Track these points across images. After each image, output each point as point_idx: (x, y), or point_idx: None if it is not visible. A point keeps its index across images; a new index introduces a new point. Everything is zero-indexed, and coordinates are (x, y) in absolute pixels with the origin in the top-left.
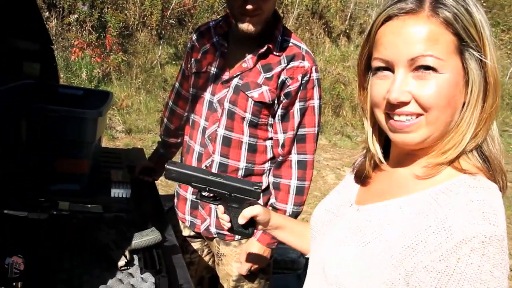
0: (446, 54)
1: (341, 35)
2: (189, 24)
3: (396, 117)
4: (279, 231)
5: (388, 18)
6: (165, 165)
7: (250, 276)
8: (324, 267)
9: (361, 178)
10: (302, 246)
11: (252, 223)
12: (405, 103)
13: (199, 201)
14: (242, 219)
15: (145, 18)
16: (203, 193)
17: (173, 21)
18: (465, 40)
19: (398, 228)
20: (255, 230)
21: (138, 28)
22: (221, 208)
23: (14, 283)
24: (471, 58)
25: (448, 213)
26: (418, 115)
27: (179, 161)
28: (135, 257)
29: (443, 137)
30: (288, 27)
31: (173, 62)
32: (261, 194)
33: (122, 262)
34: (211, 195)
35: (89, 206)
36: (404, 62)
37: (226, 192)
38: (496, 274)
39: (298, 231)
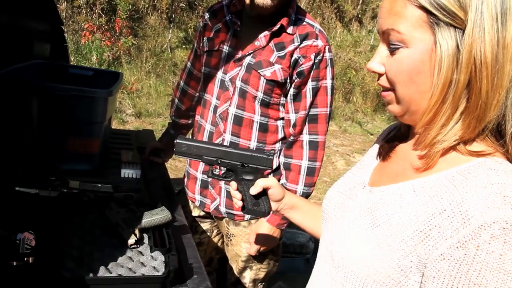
0: (410, 28)
1: (353, 20)
2: (200, 7)
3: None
4: (293, 211)
5: None
6: (175, 140)
7: (259, 257)
8: (332, 250)
9: (377, 157)
10: (315, 229)
11: (266, 199)
12: (380, 74)
13: (210, 179)
14: (254, 189)
15: (155, 1)
16: (214, 171)
17: (183, 5)
18: (433, 13)
19: (411, 211)
20: (270, 211)
21: (148, 12)
22: (233, 184)
23: (25, 258)
24: (443, 35)
25: (465, 196)
26: (389, 89)
27: None
28: (145, 235)
29: (432, 117)
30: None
31: (183, 46)
32: (272, 174)
33: (132, 240)
34: (223, 171)
35: (99, 185)
36: (381, 35)
37: (238, 163)
38: None
39: (312, 213)
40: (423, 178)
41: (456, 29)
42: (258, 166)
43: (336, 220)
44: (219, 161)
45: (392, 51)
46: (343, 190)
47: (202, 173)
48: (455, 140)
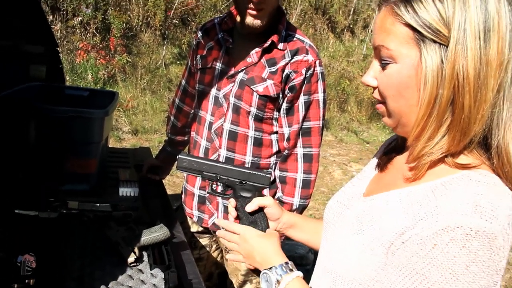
0: (398, 44)
1: (345, 30)
2: (193, 23)
3: None
4: (293, 230)
5: (378, 7)
6: (178, 156)
7: (258, 271)
8: (327, 257)
9: (376, 168)
10: (315, 243)
11: (263, 217)
12: (374, 88)
13: (207, 194)
14: (250, 206)
15: (149, 18)
16: (213, 187)
17: (176, 21)
18: (418, 30)
19: (392, 218)
20: (267, 229)
21: (142, 29)
22: (232, 201)
23: (26, 281)
24: (428, 51)
25: (440, 203)
26: (381, 102)
27: None
28: (145, 253)
29: (421, 131)
30: (292, 23)
31: (178, 62)
32: (267, 188)
33: (131, 258)
34: (221, 188)
35: (98, 205)
36: (374, 50)
37: (237, 180)
38: (473, 270)
39: (310, 228)
40: (411, 188)
41: (441, 46)
42: (256, 184)
43: (334, 229)
44: (218, 177)
45: (383, 66)
46: (342, 200)
47: (199, 189)
48: (442, 153)
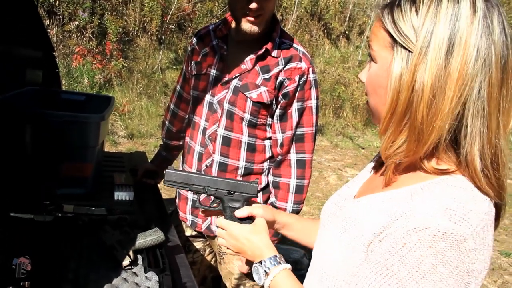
0: (379, 47)
1: (341, 36)
2: (189, 29)
3: None
4: (286, 230)
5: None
6: (165, 170)
7: (251, 275)
8: (316, 255)
9: (370, 171)
10: (309, 242)
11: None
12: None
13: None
14: (240, 212)
15: (145, 23)
16: (202, 199)
17: (172, 26)
18: (393, 36)
19: (373, 218)
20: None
21: (138, 34)
22: (219, 221)
23: (21, 283)
24: (397, 56)
25: (414, 205)
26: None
27: (181, 162)
28: (139, 256)
29: (384, 129)
30: (288, 30)
31: (174, 67)
32: (261, 192)
33: (126, 261)
34: (210, 200)
35: (93, 208)
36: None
37: (225, 191)
38: (440, 269)
39: (304, 228)
40: (393, 191)
41: (409, 53)
42: (244, 194)
43: (326, 230)
44: (206, 189)
45: (370, 65)
46: (337, 201)
47: (193, 194)
48: (404, 157)
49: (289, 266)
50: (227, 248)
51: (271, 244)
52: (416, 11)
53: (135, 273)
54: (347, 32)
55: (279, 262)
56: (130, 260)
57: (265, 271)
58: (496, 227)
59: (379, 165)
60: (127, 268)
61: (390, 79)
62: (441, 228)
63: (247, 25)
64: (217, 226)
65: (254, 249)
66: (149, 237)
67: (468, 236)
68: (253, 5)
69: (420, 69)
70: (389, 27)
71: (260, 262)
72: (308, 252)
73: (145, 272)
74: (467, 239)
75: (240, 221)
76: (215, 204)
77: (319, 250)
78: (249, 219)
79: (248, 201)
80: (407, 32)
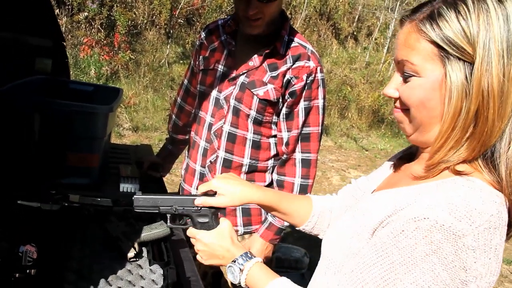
0: (422, 60)
1: (349, 37)
2: (198, 23)
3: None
4: (273, 212)
5: (401, 22)
6: (133, 197)
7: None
8: (324, 244)
9: (390, 168)
10: (294, 222)
11: (216, 221)
12: (395, 99)
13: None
14: (197, 201)
15: (154, 17)
16: (172, 220)
17: (181, 21)
18: (444, 48)
19: (381, 208)
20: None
21: (147, 27)
22: (189, 232)
23: (27, 270)
24: (453, 67)
25: (420, 198)
26: (403, 110)
27: (186, 156)
28: (144, 249)
29: (443, 142)
30: (296, 28)
31: (181, 61)
32: None
33: (131, 253)
34: (181, 220)
35: (99, 199)
36: (396, 64)
37: (193, 208)
38: (433, 260)
39: (288, 210)
40: (406, 187)
41: (465, 63)
42: (211, 208)
43: (339, 220)
44: (174, 209)
45: (406, 79)
46: (356, 194)
47: (196, 189)
48: (458, 161)
49: (260, 259)
50: (199, 256)
51: (239, 244)
52: (464, 19)
53: (139, 265)
54: (355, 33)
55: (251, 257)
56: (135, 252)
57: (239, 268)
58: (509, 235)
59: (398, 165)
60: (131, 260)
61: (449, 92)
62: (439, 220)
63: (247, 28)
64: (189, 237)
65: (224, 252)
66: (155, 230)
67: (468, 233)
68: (251, 11)
69: (485, 78)
70: (437, 39)
71: (234, 261)
72: (309, 250)
73: (150, 264)
74: (466, 236)
75: (205, 225)
76: (186, 221)
77: (328, 239)
78: (212, 222)
79: (216, 214)
80: (461, 42)
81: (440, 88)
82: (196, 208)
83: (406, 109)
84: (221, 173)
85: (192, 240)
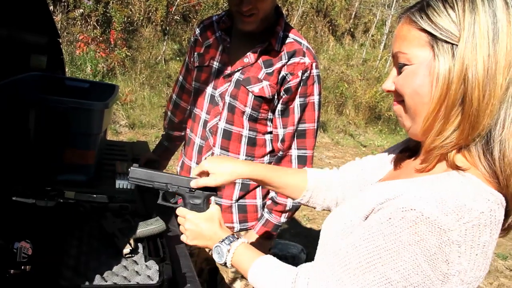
0: (412, 47)
1: (346, 33)
2: (194, 20)
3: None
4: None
5: (398, 19)
6: (130, 168)
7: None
8: (322, 230)
9: (391, 163)
10: (289, 194)
11: (206, 204)
12: (392, 92)
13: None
14: (193, 183)
15: (150, 13)
16: (164, 197)
17: (177, 17)
18: (432, 33)
19: (376, 197)
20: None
21: (143, 24)
22: (179, 210)
23: (22, 267)
24: (440, 50)
25: (412, 189)
26: (399, 102)
27: (181, 153)
28: (140, 245)
29: (431, 124)
30: (293, 25)
31: (177, 58)
32: (261, 187)
33: (127, 249)
34: (172, 198)
35: (95, 195)
36: (393, 58)
37: (186, 188)
38: (415, 250)
39: (281, 184)
40: (405, 179)
41: (453, 46)
42: (204, 191)
43: (340, 207)
44: (168, 187)
45: (400, 69)
46: (362, 186)
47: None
48: (452, 146)
49: (246, 240)
50: (183, 235)
51: (227, 228)
52: (451, 7)
53: (135, 261)
54: (352, 30)
55: (237, 238)
56: (131, 248)
57: (227, 249)
58: (506, 232)
59: (399, 159)
60: (127, 256)
61: (437, 74)
62: (425, 212)
63: (242, 24)
64: (178, 215)
65: (212, 234)
66: (150, 226)
67: (454, 228)
68: (245, 7)
69: (469, 58)
70: (425, 26)
71: (220, 242)
72: (305, 247)
73: (146, 260)
74: (452, 231)
75: (196, 207)
76: (177, 201)
77: (326, 225)
78: (203, 205)
79: (208, 199)
80: (448, 26)
81: (430, 72)
82: (190, 189)
83: (402, 101)
84: None
85: (180, 219)
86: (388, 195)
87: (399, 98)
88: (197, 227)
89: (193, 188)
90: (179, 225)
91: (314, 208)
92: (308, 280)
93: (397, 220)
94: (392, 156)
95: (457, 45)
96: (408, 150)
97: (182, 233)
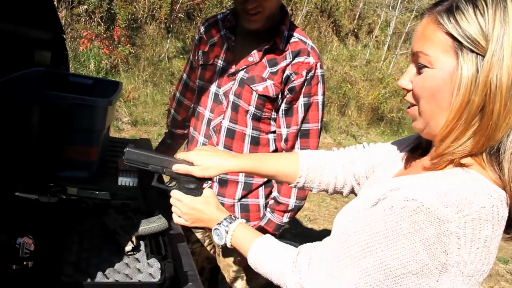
0: (436, 51)
1: (349, 34)
2: (198, 18)
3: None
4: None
5: (421, 16)
6: (126, 148)
7: (250, 267)
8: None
9: (402, 160)
10: (283, 180)
11: (199, 190)
12: (408, 90)
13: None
14: (176, 167)
15: (154, 11)
16: (159, 180)
17: (181, 15)
18: (458, 40)
19: (383, 188)
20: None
21: (147, 21)
22: (174, 193)
23: (24, 262)
24: (465, 59)
25: (416, 182)
26: (414, 105)
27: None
28: (142, 243)
29: (448, 132)
30: (297, 25)
31: (181, 56)
32: (263, 186)
33: (129, 247)
34: (167, 181)
35: (97, 192)
36: (412, 55)
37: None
38: (414, 238)
39: (272, 172)
40: (412, 175)
41: (478, 56)
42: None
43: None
44: (164, 170)
45: (419, 70)
46: (373, 182)
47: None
48: (463, 154)
49: (244, 220)
50: (179, 217)
51: (223, 209)
52: (481, 14)
53: (137, 259)
54: (356, 30)
55: (234, 219)
56: (133, 246)
57: (225, 230)
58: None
59: (410, 158)
60: (129, 253)
61: (459, 82)
62: (425, 203)
63: (246, 22)
64: (174, 199)
65: (210, 216)
66: (153, 224)
67: (453, 219)
68: (250, 4)
69: (494, 71)
70: (453, 31)
71: (219, 224)
72: None
73: (147, 258)
74: (451, 222)
75: (190, 191)
76: (172, 184)
77: (338, 218)
78: (197, 190)
79: (201, 185)
80: (476, 35)
81: (451, 79)
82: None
83: (415, 105)
84: None
85: (175, 203)
86: (393, 187)
87: (414, 100)
88: (195, 210)
89: (178, 173)
90: (170, 206)
91: (311, 190)
92: (309, 260)
93: (398, 208)
94: (403, 153)
95: (482, 56)
96: (419, 148)
97: (173, 213)
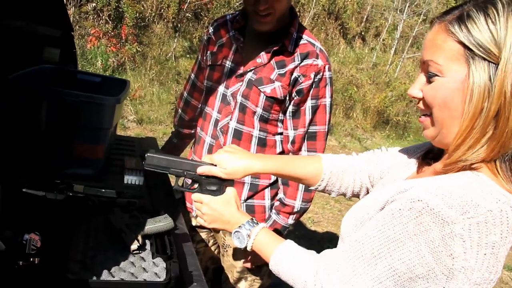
0: (447, 60)
1: (357, 37)
2: (205, 18)
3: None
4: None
5: (431, 24)
6: (146, 154)
7: (254, 269)
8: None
9: (415, 164)
10: (305, 183)
11: (221, 190)
12: (419, 99)
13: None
14: (201, 169)
15: (162, 10)
16: (181, 183)
17: (189, 15)
18: (470, 48)
19: (392, 190)
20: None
21: (155, 20)
22: (194, 196)
23: (31, 259)
24: (477, 67)
25: (424, 183)
26: (426, 114)
27: (191, 151)
28: (147, 242)
29: (462, 140)
30: (304, 26)
31: (188, 56)
32: (269, 188)
33: (134, 246)
34: (188, 183)
35: (103, 190)
36: (421, 64)
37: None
38: (419, 240)
39: (295, 174)
40: (423, 178)
41: (490, 64)
42: (221, 179)
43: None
44: (185, 173)
45: (429, 78)
46: (386, 183)
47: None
48: (476, 161)
49: (266, 225)
50: (201, 219)
51: (243, 212)
52: (493, 22)
53: (142, 258)
54: (363, 33)
55: (257, 223)
56: (138, 244)
57: (247, 234)
58: None
59: (422, 165)
60: (134, 252)
61: (471, 90)
62: (430, 204)
63: (257, 24)
64: (194, 201)
65: (230, 217)
66: (159, 223)
67: (457, 221)
68: (262, 6)
69: (509, 78)
70: (464, 40)
71: (240, 227)
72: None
73: (153, 257)
74: (455, 223)
75: (212, 193)
76: (193, 186)
77: (347, 217)
78: (219, 191)
79: (224, 185)
80: (488, 44)
81: (463, 87)
82: (207, 176)
83: (428, 114)
84: None
85: (196, 204)
86: (401, 189)
87: (426, 109)
88: (214, 211)
89: (203, 176)
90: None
91: (329, 194)
92: (329, 271)
93: (405, 210)
94: (417, 157)
95: (494, 63)
96: (431, 152)
97: (198, 217)
